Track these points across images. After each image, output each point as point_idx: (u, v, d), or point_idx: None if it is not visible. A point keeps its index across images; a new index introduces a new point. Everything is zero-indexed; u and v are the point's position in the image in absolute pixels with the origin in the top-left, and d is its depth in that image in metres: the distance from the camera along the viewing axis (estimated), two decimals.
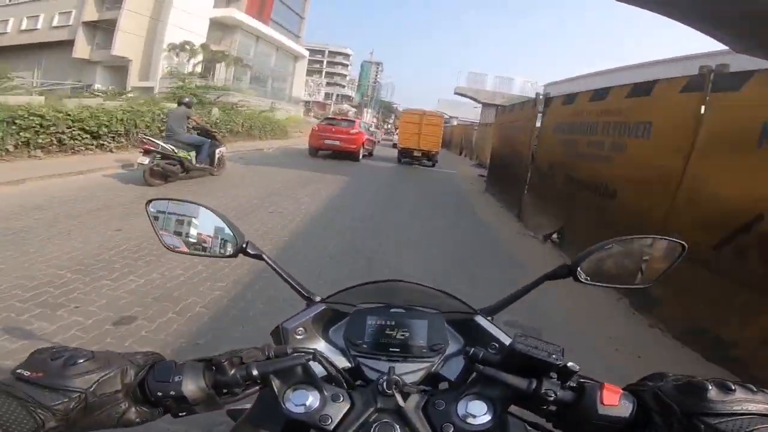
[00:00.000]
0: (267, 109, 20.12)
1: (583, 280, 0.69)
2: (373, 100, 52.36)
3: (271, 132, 17.38)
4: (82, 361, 0.45)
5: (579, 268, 0.69)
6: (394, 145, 23.23)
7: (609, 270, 0.71)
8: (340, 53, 48.77)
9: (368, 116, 41.45)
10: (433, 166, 15.68)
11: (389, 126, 43.39)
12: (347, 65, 53.41)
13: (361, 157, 14.01)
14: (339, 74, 50.42)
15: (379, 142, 26.81)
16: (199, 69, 22.30)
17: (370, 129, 24.31)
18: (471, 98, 36.92)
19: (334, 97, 44.11)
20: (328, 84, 46.51)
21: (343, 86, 50.31)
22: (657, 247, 0.73)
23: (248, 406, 0.58)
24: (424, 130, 15.39)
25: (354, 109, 39.53)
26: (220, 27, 25.28)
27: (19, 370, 0.43)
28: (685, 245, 0.69)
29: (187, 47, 21.38)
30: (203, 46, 22.80)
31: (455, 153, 24.29)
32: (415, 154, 15.47)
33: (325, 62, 49.72)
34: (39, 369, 0.43)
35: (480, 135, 18.58)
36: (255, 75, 29.38)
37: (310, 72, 45.86)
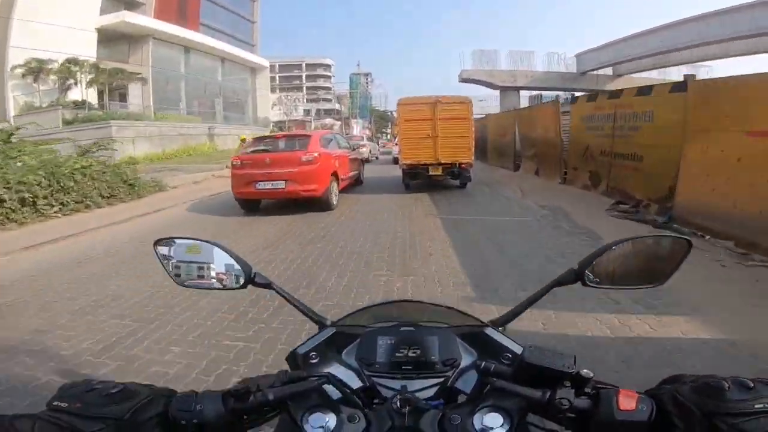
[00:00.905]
0: (202, 133, 13.72)
1: (591, 285, 0.69)
2: (364, 110, 46.09)
3: (119, 190, 8.67)
4: (114, 391, 0.48)
5: (586, 272, 0.69)
6: (396, 161, 16.63)
7: (616, 271, 0.70)
8: (319, 65, 43.53)
9: (357, 128, 35.45)
10: (464, 186, 9.47)
11: (387, 136, 36.33)
12: (329, 77, 48.03)
13: (335, 198, 7.62)
14: (322, 87, 45.12)
15: (373, 159, 20.14)
16: (88, 94, 16.24)
17: (354, 142, 17.80)
18: (483, 83, 29.89)
19: (313, 113, 38.18)
20: (310, 100, 41.01)
21: (328, 99, 44.65)
22: (662, 244, 0.72)
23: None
24: (443, 129, 9.03)
25: (338, 123, 33.45)
26: (122, 38, 19.74)
27: (56, 403, 0.46)
28: (691, 241, 0.69)
29: (49, 67, 15.35)
30: (83, 64, 17.05)
31: (495, 163, 14.31)
32: (432, 172, 9.16)
33: (304, 76, 44.41)
34: (75, 400, 0.46)
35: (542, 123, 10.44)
36: (193, 93, 23.85)
37: (288, 89, 40.19)
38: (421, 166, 9.15)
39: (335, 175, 7.67)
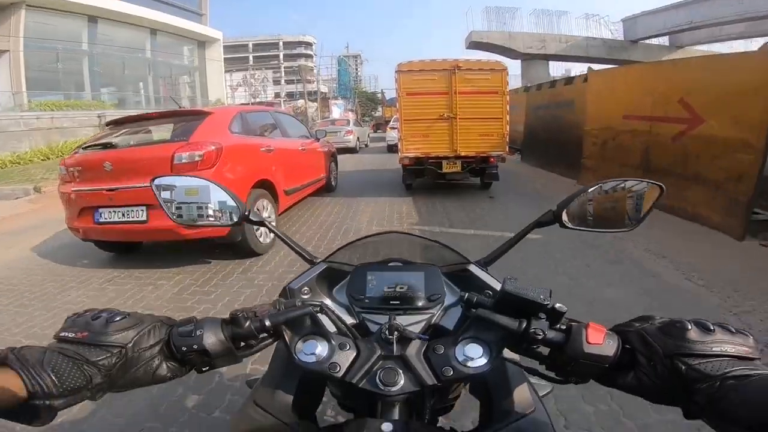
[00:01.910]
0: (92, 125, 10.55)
1: (568, 225, 0.73)
2: (344, 89, 42.13)
3: None
4: (119, 319, 0.50)
5: (564, 214, 0.73)
6: (391, 148, 13.40)
7: (592, 214, 0.74)
8: (299, 43, 39.57)
9: (338, 111, 31.22)
10: (488, 187, 7.08)
11: (367, 119, 31.77)
12: (311, 56, 44.09)
13: (267, 232, 3.97)
14: (305, 67, 41.61)
15: (363, 147, 17.04)
16: None
17: (336, 128, 14.90)
18: (500, 50, 23.53)
19: (284, 94, 34.14)
20: (289, 81, 37.32)
21: (310, 81, 40.98)
22: (636, 189, 0.74)
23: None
24: (464, 107, 6.37)
25: (315, 105, 29.73)
26: None
27: (63, 333, 0.47)
28: (663, 186, 0.71)
29: None
30: None
31: (536, 164, 9.36)
32: (447, 168, 6.58)
33: (281, 56, 40.46)
34: (82, 329, 0.48)
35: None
36: (110, 74, 19.77)
37: (261, 70, 36.51)
38: (430, 160, 6.37)
39: (267, 185, 4.22)
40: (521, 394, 0.62)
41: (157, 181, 0.78)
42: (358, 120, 19.56)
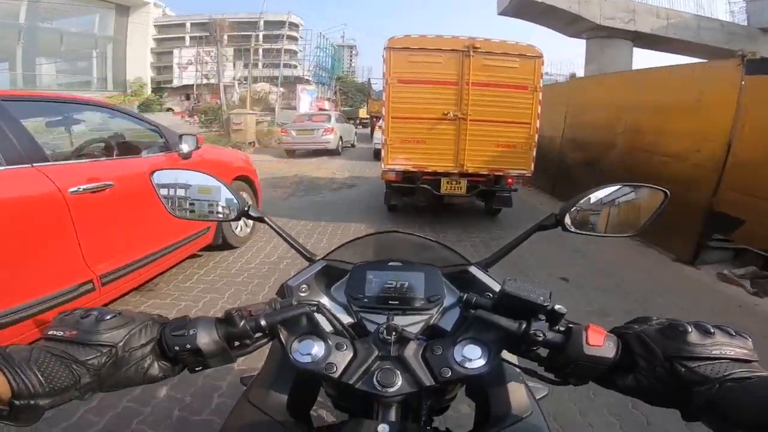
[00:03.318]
0: None
1: (571, 230, 0.73)
2: (319, 73, 39.03)
3: None
4: (109, 318, 0.49)
5: (566, 218, 0.72)
6: (378, 154, 10.98)
7: (594, 219, 0.74)
8: (283, 23, 36.65)
9: (307, 100, 26.43)
10: (495, 214, 5.54)
11: (348, 112, 26.21)
12: (296, 38, 41.16)
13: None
14: (286, 50, 38.52)
15: (348, 147, 14.76)
16: None
17: (303, 125, 12.52)
18: (560, 17, 16.46)
19: (237, 73, 30.08)
20: (267, 65, 34.59)
21: (293, 66, 38.24)
22: (640, 194, 0.75)
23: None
24: (478, 104, 4.57)
25: (282, 91, 26.71)
26: None
27: (51, 332, 0.47)
28: (668, 192, 0.71)
29: None
30: None
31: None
32: (447, 189, 4.83)
33: (260, 36, 37.48)
34: (71, 328, 0.47)
35: None
36: None
37: (240, 52, 33.36)
38: (425, 176, 4.61)
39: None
40: (518, 397, 0.62)
41: (155, 175, 0.77)
42: (341, 114, 16.84)
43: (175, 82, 34.38)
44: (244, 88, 26.56)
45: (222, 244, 3.63)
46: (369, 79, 26.64)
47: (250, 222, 3.78)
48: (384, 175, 4.81)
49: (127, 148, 2.86)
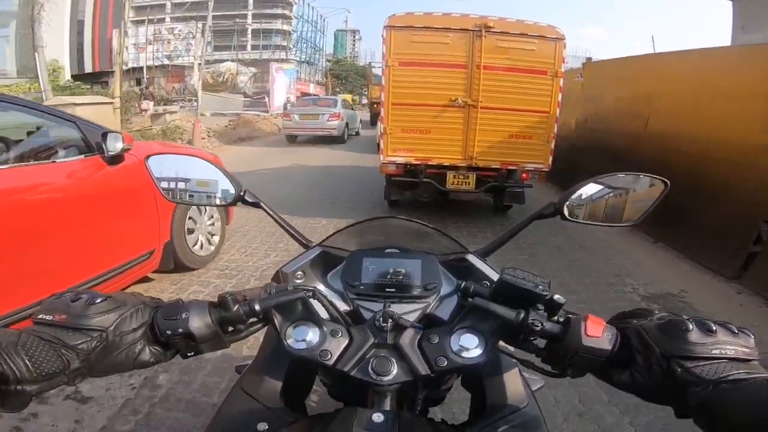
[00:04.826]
0: None
1: (570, 219, 0.74)
2: (317, 54, 37.07)
3: None
4: (100, 301, 0.48)
5: (565, 206, 0.73)
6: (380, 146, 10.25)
7: (595, 208, 0.75)
8: (274, 2, 35.14)
9: (284, 82, 23.90)
10: (505, 209, 5.08)
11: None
12: (289, 18, 39.47)
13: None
14: (278, 31, 36.99)
15: (353, 135, 13.91)
16: None
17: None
18: None
19: (200, 51, 28.15)
20: (257, 47, 33.42)
21: (282, 47, 36.80)
22: (640, 184, 0.76)
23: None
24: (491, 91, 4.13)
25: (254, 71, 24.90)
26: None
27: (40, 316, 0.47)
28: (668, 182, 0.72)
29: None
30: None
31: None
32: (454, 184, 4.46)
33: (249, 16, 36.01)
34: (61, 312, 0.47)
35: None
36: None
37: (222, 30, 31.87)
38: (429, 170, 4.21)
39: None
40: (514, 388, 0.63)
41: (150, 159, 0.76)
42: (345, 100, 15.98)
43: (132, 65, 31.13)
44: (206, 69, 24.73)
45: (176, 267, 2.93)
46: (370, 62, 25.26)
47: (215, 238, 3.33)
48: (383, 168, 4.46)
49: (32, 152, 2.23)
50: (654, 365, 0.45)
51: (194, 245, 3.08)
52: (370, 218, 0.86)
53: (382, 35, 4.07)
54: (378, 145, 9.96)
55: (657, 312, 0.50)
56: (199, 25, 28.93)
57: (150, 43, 28.10)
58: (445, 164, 4.32)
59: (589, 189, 0.73)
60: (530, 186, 4.55)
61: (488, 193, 4.82)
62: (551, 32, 4.00)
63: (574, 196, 0.73)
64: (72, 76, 22.68)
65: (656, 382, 0.46)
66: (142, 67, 28.07)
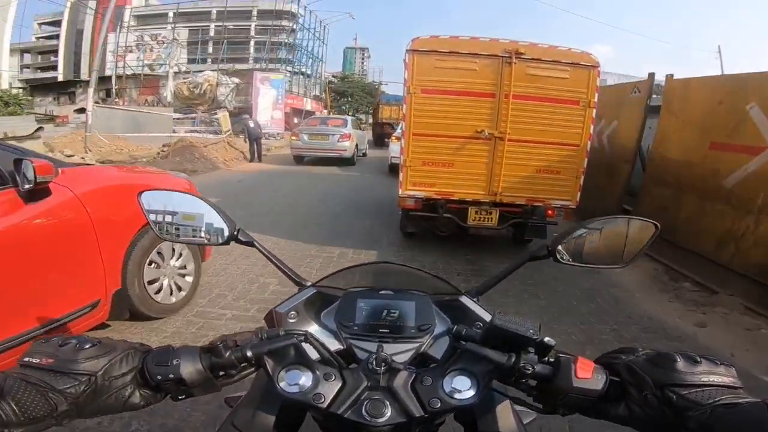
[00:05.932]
0: None
1: (563, 261, 0.76)
2: (313, 66, 34.92)
3: None
4: (89, 346, 0.49)
5: (558, 249, 0.75)
6: (393, 168, 9.44)
7: (587, 251, 0.76)
8: (280, 11, 35.12)
9: (270, 95, 20.56)
10: (526, 242, 4.83)
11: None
12: (293, 30, 39.34)
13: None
14: (282, 44, 36.89)
15: (360, 156, 13.53)
16: None
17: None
18: None
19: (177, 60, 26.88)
20: (258, 59, 33.40)
21: (291, 62, 36.62)
22: (631, 227, 0.77)
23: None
24: (519, 122, 3.88)
25: (236, 82, 22.00)
26: None
27: (26, 359, 0.47)
28: (658, 225, 0.75)
29: None
30: None
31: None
32: (476, 220, 4.15)
33: (252, 28, 36.00)
34: (48, 355, 0.47)
35: None
36: None
37: (233, 42, 31.92)
38: (450, 205, 3.92)
39: None
40: (506, 422, 0.64)
41: (143, 196, 0.77)
42: (355, 119, 15.59)
43: (112, 72, 29.28)
44: (183, 78, 23.07)
45: (132, 316, 2.54)
46: (380, 83, 24.29)
47: (188, 281, 2.92)
48: (401, 202, 4.22)
49: None
50: (649, 395, 0.48)
51: (157, 293, 2.67)
52: (365, 263, 0.89)
53: (404, 60, 3.84)
54: (392, 165, 9.49)
55: (641, 348, 0.53)
56: (184, 31, 27.67)
57: (130, 51, 26.90)
58: (467, 199, 4.07)
59: (582, 232, 0.76)
60: (555, 223, 4.28)
61: (512, 227, 4.57)
62: (586, 59, 3.78)
63: (566, 239, 0.75)
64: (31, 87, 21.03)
65: (653, 411, 0.47)
66: (107, 77, 26.57)
